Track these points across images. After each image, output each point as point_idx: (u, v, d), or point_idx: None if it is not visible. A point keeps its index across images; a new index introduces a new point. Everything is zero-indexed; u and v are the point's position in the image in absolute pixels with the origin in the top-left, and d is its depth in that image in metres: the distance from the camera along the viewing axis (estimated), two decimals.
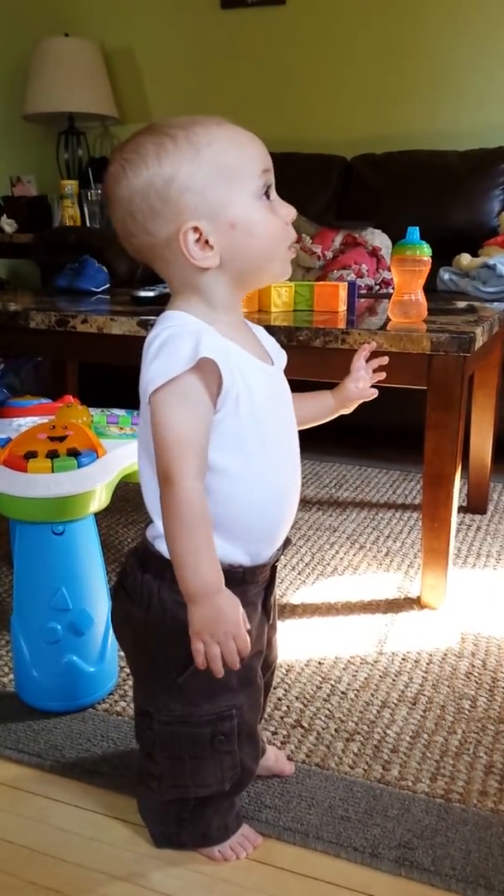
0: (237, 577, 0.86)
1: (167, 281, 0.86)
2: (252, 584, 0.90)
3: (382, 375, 1.06)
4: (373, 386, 1.05)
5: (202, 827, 0.96)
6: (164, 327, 0.80)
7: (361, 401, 1.04)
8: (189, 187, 0.78)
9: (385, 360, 1.06)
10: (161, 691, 0.89)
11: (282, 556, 0.95)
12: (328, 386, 1.05)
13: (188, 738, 0.90)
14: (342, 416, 1.06)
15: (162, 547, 0.85)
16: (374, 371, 1.05)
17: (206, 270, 0.81)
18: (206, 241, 0.80)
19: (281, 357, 0.93)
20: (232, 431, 0.82)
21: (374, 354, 1.06)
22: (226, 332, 0.82)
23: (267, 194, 0.82)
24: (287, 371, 0.93)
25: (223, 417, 0.81)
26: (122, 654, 1.35)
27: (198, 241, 0.79)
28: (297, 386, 1.01)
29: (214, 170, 0.78)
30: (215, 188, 0.78)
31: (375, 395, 1.04)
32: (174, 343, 0.77)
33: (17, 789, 1.08)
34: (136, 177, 0.79)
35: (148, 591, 0.87)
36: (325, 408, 1.04)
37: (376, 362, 1.05)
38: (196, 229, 0.79)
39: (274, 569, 0.94)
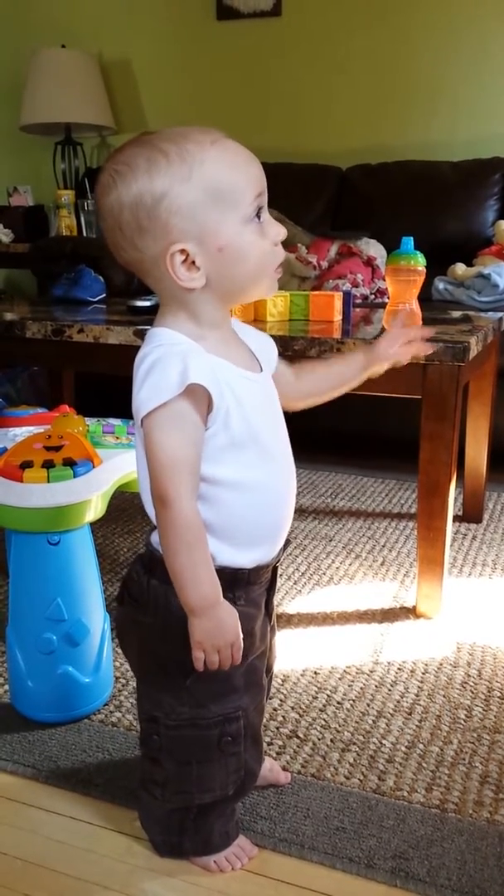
0: (242, 579, 0.88)
1: (156, 293, 0.86)
2: (256, 585, 0.91)
3: (424, 349, 1.04)
4: (368, 394, 1.05)
5: (204, 834, 0.96)
6: (153, 347, 0.80)
7: (391, 364, 1.02)
8: (178, 208, 0.77)
9: (429, 332, 1.04)
10: (168, 695, 0.90)
11: (282, 559, 0.96)
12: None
13: (196, 740, 0.90)
14: (338, 424, 1.06)
15: None
16: (413, 342, 1.03)
17: (192, 289, 0.81)
18: (193, 262, 0.79)
19: (269, 356, 0.93)
20: (225, 444, 0.83)
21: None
22: (213, 347, 0.83)
23: (258, 215, 0.81)
24: None
25: (215, 433, 0.82)
26: (118, 664, 1.35)
27: (184, 262, 0.79)
28: None
29: (205, 193, 0.77)
30: (205, 212, 0.78)
31: (405, 362, 1.02)
32: (162, 366, 0.77)
33: (12, 800, 1.08)
34: (126, 190, 0.78)
35: (154, 595, 0.88)
36: (356, 368, 1.01)
37: (418, 332, 1.03)
38: (183, 251, 0.79)
39: (275, 569, 0.95)
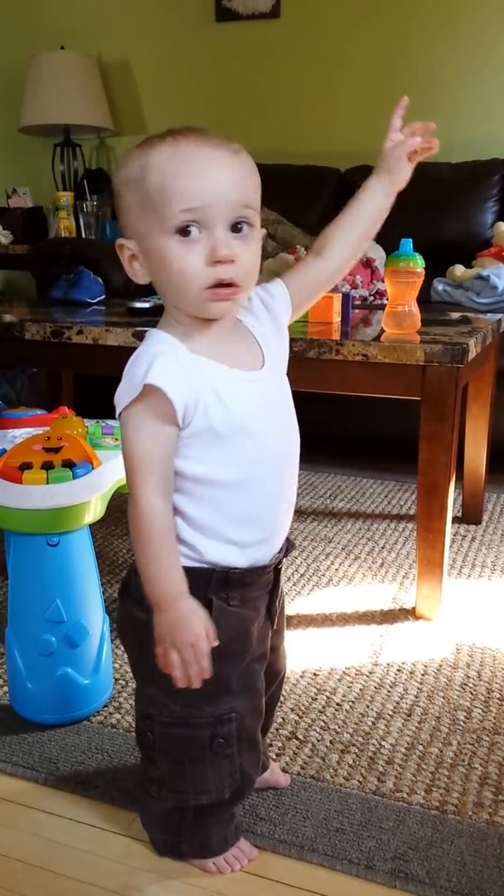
0: (234, 579, 0.87)
1: None
2: (252, 586, 0.90)
3: (430, 146, 0.98)
4: (367, 395, 1.05)
5: (201, 838, 0.96)
6: (141, 346, 0.84)
7: (406, 157, 0.99)
8: (126, 206, 0.82)
9: (431, 126, 0.98)
10: (162, 693, 0.89)
11: (284, 560, 0.95)
12: (323, 397, 1.05)
13: (188, 740, 0.90)
14: (337, 426, 1.06)
15: None
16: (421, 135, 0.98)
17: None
18: (138, 260, 0.83)
19: (278, 348, 0.94)
20: (211, 442, 0.83)
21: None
22: (201, 347, 0.83)
23: (187, 231, 0.78)
24: None
25: (195, 431, 0.82)
26: (118, 665, 1.35)
27: (132, 257, 0.83)
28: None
29: (143, 197, 0.79)
30: (139, 215, 0.81)
31: (421, 144, 0.98)
32: (134, 367, 0.81)
33: (11, 802, 1.08)
34: (113, 180, 0.85)
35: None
36: (379, 196, 0.99)
37: (419, 125, 0.99)
38: (121, 246, 0.83)
39: (278, 572, 0.94)
